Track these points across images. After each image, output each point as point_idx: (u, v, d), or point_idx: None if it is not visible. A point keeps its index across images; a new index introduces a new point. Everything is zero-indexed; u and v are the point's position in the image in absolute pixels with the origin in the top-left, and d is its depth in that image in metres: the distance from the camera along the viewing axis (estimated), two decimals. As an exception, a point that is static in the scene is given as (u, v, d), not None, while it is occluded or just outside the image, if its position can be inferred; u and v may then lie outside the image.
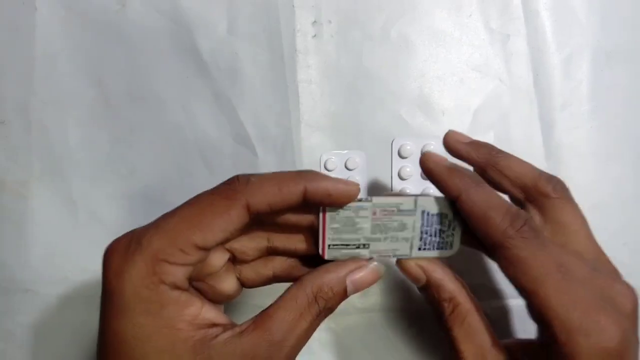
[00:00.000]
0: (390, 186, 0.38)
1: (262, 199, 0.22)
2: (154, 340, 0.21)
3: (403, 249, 0.25)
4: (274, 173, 0.23)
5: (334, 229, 0.24)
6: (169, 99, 0.37)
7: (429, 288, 0.25)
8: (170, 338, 0.21)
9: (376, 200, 0.24)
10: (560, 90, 0.37)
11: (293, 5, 0.37)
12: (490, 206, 0.23)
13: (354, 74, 0.37)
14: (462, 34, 0.37)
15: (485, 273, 0.38)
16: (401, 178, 0.37)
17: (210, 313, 0.23)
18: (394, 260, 0.26)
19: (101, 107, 0.38)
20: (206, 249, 0.22)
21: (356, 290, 0.24)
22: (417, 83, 0.37)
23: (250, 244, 0.26)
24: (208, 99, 0.37)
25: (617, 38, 0.37)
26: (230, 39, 0.37)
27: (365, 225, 0.24)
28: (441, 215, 0.25)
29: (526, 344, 0.26)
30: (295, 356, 0.23)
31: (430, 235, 0.25)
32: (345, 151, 0.37)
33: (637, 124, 0.37)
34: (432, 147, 0.37)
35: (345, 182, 0.23)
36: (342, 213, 0.24)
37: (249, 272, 0.27)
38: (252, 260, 0.26)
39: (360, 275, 0.24)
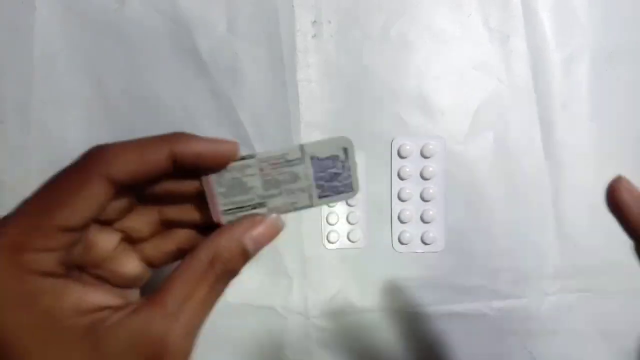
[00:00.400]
0: (389, 186, 0.38)
1: (123, 168, 0.20)
2: (34, 333, 0.19)
3: (302, 200, 0.24)
4: (137, 139, 0.21)
5: (222, 193, 0.23)
6: (169, 98, 0.37)
7: None
8: (52, 329, 0.20)
9: (260, 155, 0.22)
10: (560, 90, 0.37)
11: (293, 5, 0.36)
12: None
13: (354, 73, 0.37)
14: (461, 34, 0.37)
15: (486, 274, 0.38)
16: (401, 178, 0.37)
17: (97, 296, 0.21)
18: (296, 213, 0.24)
19: (100, 106, 0.38)
20: (73, 230, 0.20)
21: (257, 248, 0.22)
22: (416, 82, 0.37)
23: (141, 220, 0.24)
24: (207, 99, 0.37)
25: (617, 38, 0.37)
26: (230, 39, 0.37)
27: (256, 183, 0.23)
28: (332, 158, 0.23)
29: None
30: (197, 326, 0.21)
31: (327, 181, 0.24)
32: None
33: (636, 124, 0.37)
34: (431, 146, 0.37)
35: (218, 140, 0.22)
36: (227, 175, 0.22)
37: (151, 250, 0.24)
38: (150, 236, 0.24)
39: (258, 231, 0.22)
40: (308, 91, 0.37)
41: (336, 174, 0.24)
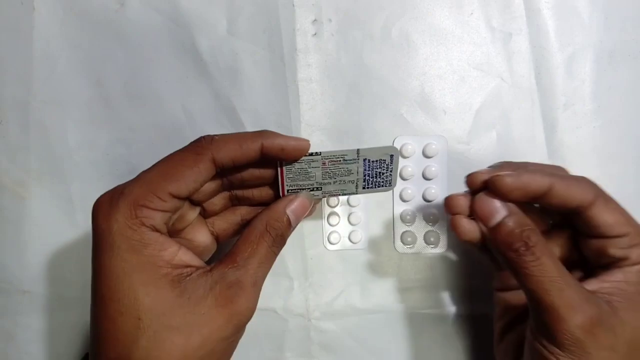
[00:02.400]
0: (397, 176, 0.37)
1: (226, 154, 0.26)
2: (138, 273, 0.24)
3: (349, 189, 0.30)
4: (235, 133, 0.27)
5: (290, 178, 0.29)
6: (169, 98, 0.37)
7: (505, 222, 0.26)
8: (152, 273, 0.25)
9: (325, 153, 0.29)
10: (563, 89, 0.37)
11: (293, 4, 0.36)
12: (575, 179, 0.27)
13: (355, 72, 0.37)
14: (463, 33, 0.37)
15: (486, 276, 0.38)
16: (403, 178, 0.37)
17: (186, 256, 0.26)
18: (343, 197, 0.31)
19: (100, 107, 0.37)
20: (180, 198, 0.26)
21: (297, 218, 0.29)
22: (418, 82, 0.37)
23: (217, 198, 0.30)
24: (208, 99, 0.37)
25: (620, 37, 0.37)
26: (230, 39, 0.37)
27: (317, 173, 0.29)
28: (380, 161, 0.30)
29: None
30: (261, 278, 0.27)
31: (372, 177, 0.30)
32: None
33: (639, 123, 0.37)
34: (433, 146, 0.37)
35: (297, 139, 0.28)
36: (297, 166, 0.29)
37: (220, 222, 0.31)
38: (220, 211, 0.31)
39: (295, 204, 0.29)
40: (309, 91, 0.37)
41: (381, 173, 0.30)
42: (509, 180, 0.26)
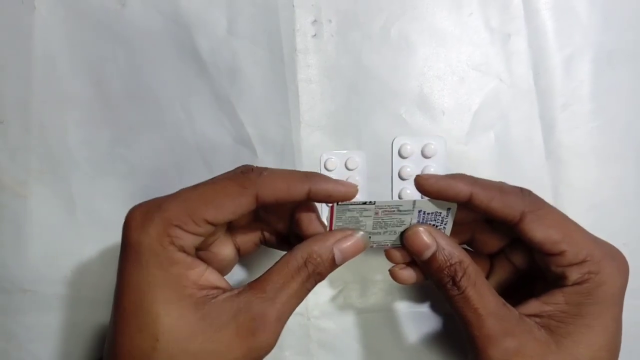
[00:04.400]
0: (390, 186, 0.37)
1: (272, 193, 0.25)
2: (163, 289, 0.24)
3: (398, 240, 0.29)
4: (284, 170, 0.26)
5: (339, 225, 0.27)
6: (169, 98, 0.37)
7: (436, 256, 0.26)
8: (177, 291, 0.24)
9: (379, 202, 0.27)
10: (561, 90, 0.37)
11: (293, 5, 0.36)
12: (501, 191, 0.26)
13: (354, 73, 0.37)
14: (462, 33, 0.37)
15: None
16: (401, 178, 0.37)
17: (213, 277, 0.26)
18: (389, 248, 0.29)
19: (100, 106, 0.38)
20: (214, 225, 0.25)
21: (344, 258, 0.27)
22: (417, 82, 0.37)
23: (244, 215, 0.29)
24: (208, 99, 0.37)
25: (618, 38, 0.37)
26: (230, 39, 0.37)
27: (368, 222, 0.27)
28: (435, 214, 0.28)
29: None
30: (287, 314, 0.25)
31: None
32: (345, 151, 0.37)
33: (638, 124, 0.37)
34: (432, 146, 0.37)
35: (345, 184, 0.26)
36: (348, 214, 0.27)
37: (242, 236, 0.30)
38: (245, 225, 0.30)
39: (347, 244, 0.27)
40: (308, 91, 0.37)
41: (434, 226, 0.28)
42: (429, 182, 0.26)
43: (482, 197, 0.26)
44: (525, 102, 0.37)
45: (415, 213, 0.27)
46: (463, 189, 0.26)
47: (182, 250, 0.25)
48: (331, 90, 0.37)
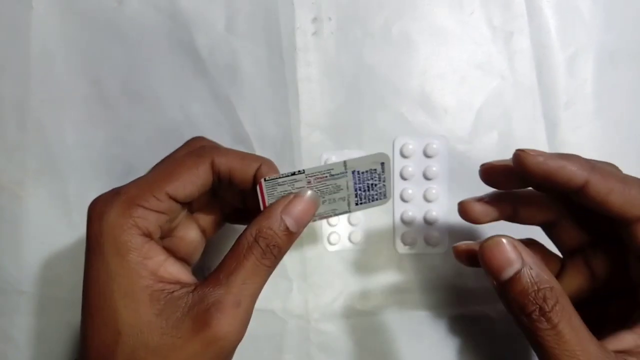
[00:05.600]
0: (392, 186, 0.37)
1: (226, 162, 0.25)
2: (119, 281, 0.23)
3: (341, 207, 0.28)
4: (234, 150, 0.27)
5: (272, 198, 0.26)
6: (167, 97, 0.37)
7: (521, 276, 0.22)
8: (132, 282, 0.23)
9: (308, 170, 0.25)
10: (565, 88, 0.36)
11: (292, 3, 0.36)
12: (624, 183, 0.23)
13: (355, 72, 0.36)
14: (464, 32, 0.36)
15: (486, 277, 0.37)
16: (403, 178, 0.37)
17: (173, 268, 0.25)
18: (335, 218, 0.28)
19: (98, 105, 0.37)
20: (176, 200, 0.25)
21: (298, 224, 0.25)
22: (418, 81, 0.37)
23: (206, 196, 0.28)
24: (206, 98, 0.37)
25: (621, 37, 0.37)
26: (229, 37, 0.36)
27: None
28: (371, 172, 0.27)
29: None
30: (248, 297, 0.24)
31: (364, 191, 0.27)
32: (346, 150, 0.37)
33: (641, 123, 0.37)
34: (434, 146, 0.36)
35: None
36: (279, 188, 0.26)
37: (204, 217, 0.29)
38: (204, 206, 0.29)
39: (297, 208, 0.25)
40: (308, 90, 0.36)
41: (373, 185, 0.27)
42: (535, 160, 0.22)
43: (601, 188, 0.22)
44: (528, 101, 0.36)
45: (350, 175, 0.26)
46: (578, 175, 0.22)
47: (146, 232, 0.24)
48: (331, 89, 0.37)
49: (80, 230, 0.37)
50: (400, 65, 0.36)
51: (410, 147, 0.36)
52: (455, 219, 0.37)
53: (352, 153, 0.37)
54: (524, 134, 0.36)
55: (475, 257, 0.23)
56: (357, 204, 0.28)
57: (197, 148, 0.26)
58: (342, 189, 0.27)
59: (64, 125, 0.37)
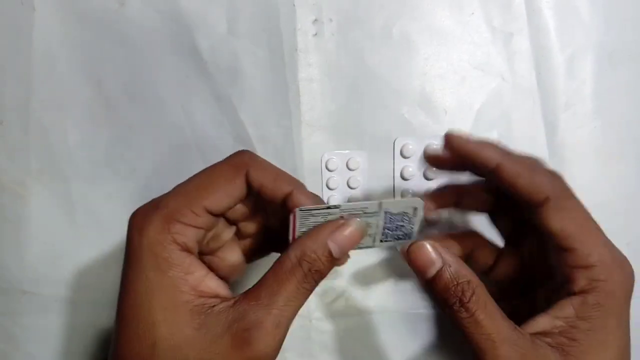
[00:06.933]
0: (392, 186, 0.37)
1: (258, 177, 0.25)
2: (159, 296, 0.23)
3: (366, 242, 0.28)
4: (276, 167, 0.26)
5: (303, 232, 0.26)
6: (169, 98, 0.37)
7: (442, 273, 0.25)
8: (173, 297, 0.23)
9: (344, 206, 0.26)
10: (564, 89, 0.37)
11: (293, 4, 0.36)
12: (532, 169, 0.25)
13: (355, 72, 0.37)
14: (464, 32, 0.37)
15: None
16: (403, 178, 0.37)
17: (212, 283, 0.25)
18: (357, 252, 0.27)
19: (100, 106, 0.37)
20: (214, 214, 0.25)
21: (342, 250, 0.25)
22: (418, 82, 0.37)
23: (251, 223, 0.29)
24: (208, 99, 0.37)
25: (620, 37, 0.37)
26: (230, 38, 0.37)
27: None
28: (402, 214, 0.27)
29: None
30: (286, 318, 0.24)
31: (392, 230, 0.28)
32: (347, 151, 0.37)
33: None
34: (434, 146, 0.37)
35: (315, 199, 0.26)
36: (312, 219, 0.26)
37: (251, 243, 0.30)
38: (254, 234, 0.29)
39: (343, 234, 0.25)
40: (309, 91, 0.37)
41: (401, 226, 0.27)
42: (459, 141, 0.26)
43: (510, 171, 0.25)
44: (527, 102, 0.37)
45: (382, 215, 0.26)
46: (492, 157, 0.25)
47: (185, 248, 0.24)
48: (332, 90, 0.37)
49: (83, 229, 0.38)
50: (401, 66, 0.37)
51: (411, 147, 0.37)
52: (455, 219, 0.37)
53: (352, 153, 0.37)
54: (523, 134, 0.37)
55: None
56: (381, 241, 0.28)
57: (234, 157, 0.26)
58: (371, 227, 0.27)
59: (66, 126, 0.37)
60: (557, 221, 0.25)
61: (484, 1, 0.36)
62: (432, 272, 0.25)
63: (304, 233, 0.25)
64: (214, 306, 0.24)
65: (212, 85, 0.37)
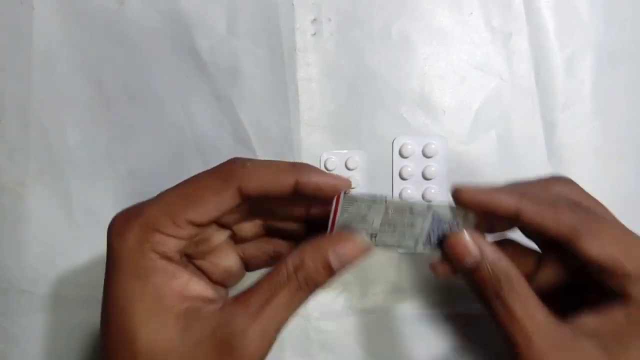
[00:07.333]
0: (391, 186, 0.37)
1: (256, 184, 0.24)
2: (141, 303, 0.23)
3: (408, 245, 0.26)
4: (270, 161, 0.25)
5: (344, 218, 0.25)
6: (168, 98, 0.37)
7: (480, 266, 0.24)
8: (155, 304, 0.23)
9: (390, 200, 0.25)
10: (563, 89, 0.37)
11: (292, 4, 0.36)
12: (554, 206, 0.24)
13: (354, 72, 0.37)
14: (463, 32, 0.37)
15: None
16: (402, 178, 0.37)
17: (199, 287, 0.24)
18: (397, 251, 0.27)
19: (100, 106, 0.37)
20: (198, 225, 0.24)
21: (342, 264, 0.24)
22: (417, 82, 0.37)
23: (249, 223, 0.27)
24: (207, 99, 0.37)
25: (620, 37, 0.37)
26: (230, 38, 0.37)
27: (376, 219, 0.25)
28: (451, 220, 0.25)
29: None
30: (273, 329, 0.23)
31: (435, 237, 0.26)
32: (345, 151, 0.37)
33: (639, 123, 0.37)
34: (433, 146, 0.37)
35: (336, 177, 0.24)
36: (355, 206, 0.25)
37: (251, 249, 0.28)
38: (253, 238, 0.28)
39: (346, 248, 0.24)
40: (308, 90, 0.37)
41: (446, 233, 0.26)
42: (468, 196, 0.24)
43: (532, 214, 0.24)
44: (526, 102, 0.37)
45: (429, 217, 0.25)
46: (508, 204, 0.24)
47: (165, 256, 0.23)
48: (331, 89, 0.37)
49: (82, 229, 0.38)
50: (400, 66, 0.37)
51: (410, 147, 0.37)
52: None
53: (351, 153, 0.37)
54: (522, 134, 0.37)
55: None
56: (423, 245, 0.27)
57: (223, 169, 0.24)
58: (416, 228, 0.26)
59: (66, 126, 0.38)
60: (595, 249, 0.24)
61: (483, 1, 0.37)
62: (469, 262, 0.24)
63: (309, 241, 0.24)
64: (200, 310, 0.23)
65: (212, 85, 0.37)
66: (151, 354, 0.22)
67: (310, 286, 0.23)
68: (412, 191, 0.37)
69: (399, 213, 0.25)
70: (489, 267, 0.24)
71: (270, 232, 0.28)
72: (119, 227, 0.24)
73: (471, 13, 0.37)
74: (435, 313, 0.37)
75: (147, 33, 0.37)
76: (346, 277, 0.37)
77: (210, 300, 0.24)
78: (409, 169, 0.37)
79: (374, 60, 0.37)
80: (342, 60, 0.37)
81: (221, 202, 0.24)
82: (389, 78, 0.37)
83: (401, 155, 0.37)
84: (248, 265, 0.28)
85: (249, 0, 0.36)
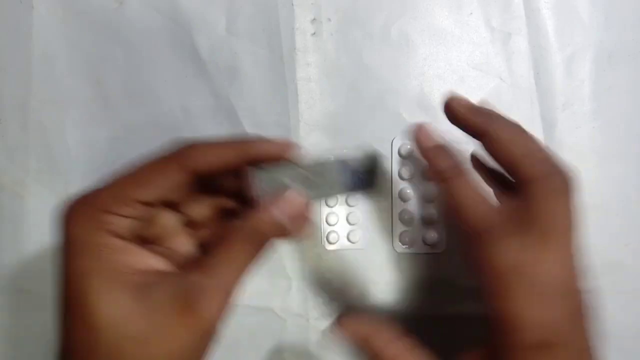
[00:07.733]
0: (390, 186, 0.37)
1: (202, 160, 0.25)
2: (96, 278, 0.23)
3: (326, 192, 0.29)
4: (217, 137, 0.26)
5: (263, 188, 0.26)
6: (168, 97, 0.37)
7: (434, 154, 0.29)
8: (112, 277, 0.23)
9: (303, 161, 0.27)
10: (562, 89, 0.37)
11: (292, 4, 0.36)
12: (515, 146, 0.27)
13: (354, 72, 0.37)
14: (462, 33, 0.37)
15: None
16: (401, 178, 0.37)
17: (155, 261, 0.25)
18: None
19: (99, 106, 0.37)
20: (147, 204, 0.25)
21: (284, 213, 0.25)
22: (417, 82, 0.37)
23: (202, 207, 0.28)
24: (207, 98, 0.37)
25: (619, 37, 0.37)
26: (229, 38, 0.37)
27: (295, 181, 0.27)
28: (361, 165, 0.30)
29: None
30: (231, 283, 0.24)
31: (353, 181, 0.30)
32: (345, 150, 0.37)
33: (638, 123, 0.37)
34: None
35: (280, 140, 0.26)
36: (270, 174, 0.26)
37: (208, 234, 0.28)
38: (209, 223, 0.28)
39: (284, 199, 0.25)
40: (307, 90, 0.37)
41: (361, 177, 0.30)
42: (457, 107, 0.29)
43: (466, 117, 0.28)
44: (526, 102, 0.37)
45: (340, 166, 0.29)
46: (479, 124, 0.28)
47: (117, 235, 0.24)
48: (330, 89, 0.37)
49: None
50: (399, 66, 0.37)
51: (409, 147, 0.37)
52: (454, 219, 0.37)
53: (351, 153, 0.37)
54: (522, 134, 0.37)
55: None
56: (345, 192, 0.30)
57: (169, 150, 0.25)
58: (332, 178, 0.28)
59: (65, 126, 0.38)
60: (497, 151, 0.27)
61: (483, 1, 0.37)
62: (428, 144, 0.29)
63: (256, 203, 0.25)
64: (157, 280, 0.24)
65: (211, 85, 0.37)
66: (110, 325, 0.22)
67: (259, 239, 0.25)
68: (411, 191, 0.37)
69: (310, 170, 0.27)
70: (442, 156, 0.29)
71: (225, 216, 0.29)
72: (71, 213, 0.24)
73: (471, 13, 0.37)
74: (434, 313, 0.37)
75: (147, 33, 0.37)
76: (346, 277, 0.38)
77: (165, 273, 0.25)
78: (408, 169, 0.37)
79: (373, 60, 0.37)
80: (342, 60, 0.37)
81: (166, 179, 0.24)
82: (389, 78, 0.37)
83: (400, 155, 0.37)
84: (207, 250, 0.29)
85: (249, 0, 0.36)
